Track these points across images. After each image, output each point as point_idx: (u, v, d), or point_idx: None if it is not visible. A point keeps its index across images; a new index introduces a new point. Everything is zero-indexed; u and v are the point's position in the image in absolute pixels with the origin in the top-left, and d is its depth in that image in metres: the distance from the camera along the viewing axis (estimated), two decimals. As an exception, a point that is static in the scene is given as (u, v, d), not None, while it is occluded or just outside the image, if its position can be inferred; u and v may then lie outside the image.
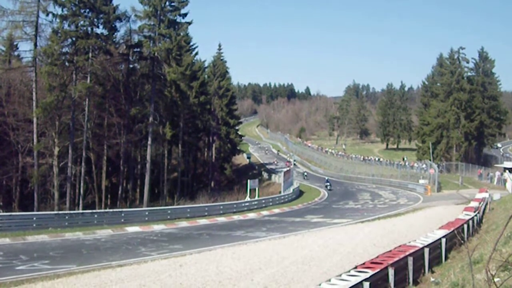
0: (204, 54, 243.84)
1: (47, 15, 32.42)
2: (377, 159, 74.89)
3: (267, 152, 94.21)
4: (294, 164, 66.19)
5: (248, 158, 77.83)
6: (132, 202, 41.34)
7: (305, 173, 61.60)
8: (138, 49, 40.21)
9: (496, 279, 5.97)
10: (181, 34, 41.96)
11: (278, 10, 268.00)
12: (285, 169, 51.61)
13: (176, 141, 51.09)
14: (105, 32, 36.84)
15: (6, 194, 36.40)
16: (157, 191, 47.61)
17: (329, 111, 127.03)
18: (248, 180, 38.10)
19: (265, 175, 63.08)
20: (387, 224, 21.34)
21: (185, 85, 45.34)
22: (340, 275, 8.07)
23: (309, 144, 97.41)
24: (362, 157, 75.79)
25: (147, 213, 25.53)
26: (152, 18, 38.74)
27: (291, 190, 41.73)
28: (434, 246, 11.20)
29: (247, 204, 32.60)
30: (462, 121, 59.82)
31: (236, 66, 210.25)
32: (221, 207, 29.96)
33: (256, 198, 35.69)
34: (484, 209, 21.37)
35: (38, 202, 31.89)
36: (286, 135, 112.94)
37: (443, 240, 11.79)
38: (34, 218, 20.37)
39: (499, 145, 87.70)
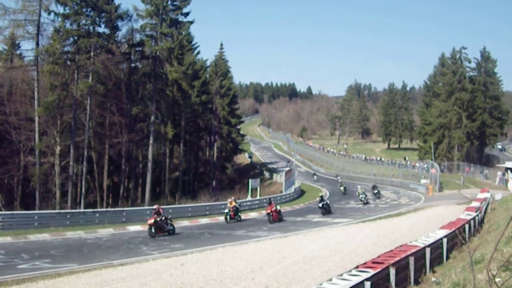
0: (206, 53, 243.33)
1: (49, 14, 32.56)
2: (378, 158, 74.71)
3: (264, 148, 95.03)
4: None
5: (250, 157, 77.81)
6: (134, 201, 41.34)
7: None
8: (140, 48, 40.31)
9: (497, 279, 5.96)
10: (183, 33, 42.05)
11: (279, 9, 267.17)
12: (286, 169, 51.60)
13: (178, 140, 51.11)
14: (107, 31, 36.93)
15: (8, 193, 36.42)
16: (158, 190, 47.66)
17: (330, 110, 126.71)
18: (250, 180, 38.12)
19: (266, 174, 63.08)
20: (388, 223, 21.34)
21: (186, 84, 45.36)
22: (342, 275, 8.07)
23: (311, 144, 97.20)
24: (363, 156, 75.69)
25: (148, 212, 25.47)
26: (154, 17, 38.84)
27: (292, 189, 41.74)
28: (436, 246, 11.19)
29: (248, 203, 32.62)
30: (464, 121, 59.60)
31: (237, 65, 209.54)
32: (223, 206, 29.93)
33: (258, 197, 35.70)
34: (486, 209, 21.34)
35: (40, 201, 31.91)
36: (288, 134, 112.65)
37: (445, 240, 11.77)
38: (36, 217, 20.46)
39: None
